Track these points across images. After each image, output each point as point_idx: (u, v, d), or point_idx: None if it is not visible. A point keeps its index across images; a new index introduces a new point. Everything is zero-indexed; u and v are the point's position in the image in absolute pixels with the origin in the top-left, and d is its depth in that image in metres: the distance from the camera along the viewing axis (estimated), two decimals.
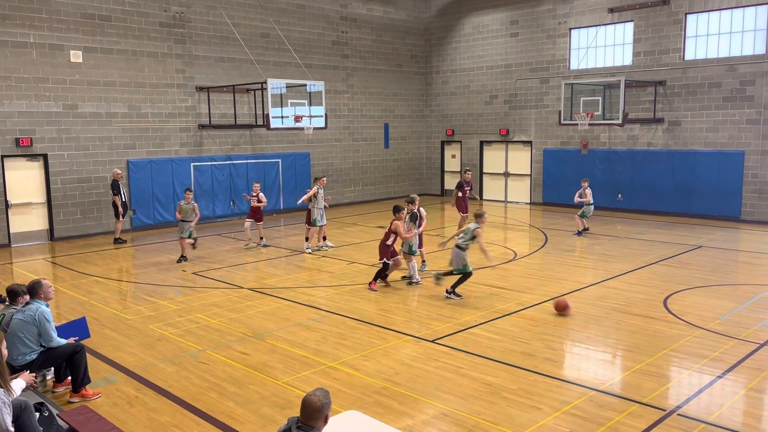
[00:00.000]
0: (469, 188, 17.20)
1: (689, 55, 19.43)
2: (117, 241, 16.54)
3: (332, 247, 15.31)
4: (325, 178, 15.71)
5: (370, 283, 11.57)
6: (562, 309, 9.84)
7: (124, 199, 16.64)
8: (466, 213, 16.84)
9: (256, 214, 15.63)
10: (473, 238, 10.59)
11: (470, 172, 18.16)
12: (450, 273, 10.89)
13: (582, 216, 16.86)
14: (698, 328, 9.03)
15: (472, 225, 10.75)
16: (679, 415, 6.35)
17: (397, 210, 11.66)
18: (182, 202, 14.17)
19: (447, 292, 10.84)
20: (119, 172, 16.64)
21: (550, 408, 6.53)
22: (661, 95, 19.92)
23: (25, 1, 15.93)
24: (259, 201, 15.66)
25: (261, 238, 15.86)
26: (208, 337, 9.00)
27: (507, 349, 8.30)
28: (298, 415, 3.85)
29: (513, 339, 8.69)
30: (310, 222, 14.99)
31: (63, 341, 6.89)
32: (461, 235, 10.82)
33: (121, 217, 16.53)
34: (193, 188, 19.20)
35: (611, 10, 20.73)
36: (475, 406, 6.62)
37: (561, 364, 8.00)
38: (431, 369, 7.66)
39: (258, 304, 10.67)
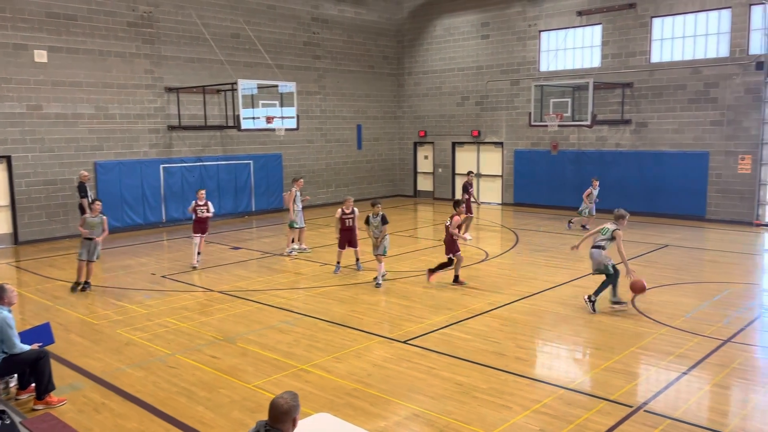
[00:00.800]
0: (472, 189, 17.38)
1: (655, 58, 19.82)
2: None
3: (306, 251, 15.15)
4: (302, 180, 15.58)
5: (429, 274, 11.88)
6: (639, 291, 9.92)
7: (90, 202, 16.24)
8: (471, 214, 17.03)
9: (203, 226, 13.58)
10: (612, 239, 10.01)
11: (473, 174, 18.14)
12: (605, 283, 10.05)
13: (583, 214, 17.60)
14: (665, 325, 9.21)
15: (611, 225, 10.11)
16: (645, 411, 6.46)
17: (457, 204, 11.96)
18: (88, 215, 11.85)
19: (588, 299, 9.97)
20: (86, 174, 16.28)
21: (520, 407, 6.59)
22: (628, 97, 20.27)
23: None
24: (208, 211, 13.69)
25: (198, 253, 13.64)
26: (178, 341, 8.88)
27: (478, 348, 8.35)
28: (267, 418, 3.82)
29: (484, 339, 8.75)
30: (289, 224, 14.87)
31: (26, 347, 6.73)
32: (598, 235, 10.24)
33: None
34: (162, 190, 19.04)
35: (580, 13, 21.03)
36: (447, 406, 6.64)
37: (531, 363, 8.08)
38: (403, 370, 7.67)
39: (229, 307, 10.56)
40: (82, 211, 16.09)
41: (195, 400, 6.90)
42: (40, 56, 16.54)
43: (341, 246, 12.89)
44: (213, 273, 13.09)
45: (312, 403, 6.72)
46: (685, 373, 7.45)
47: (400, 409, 6.63)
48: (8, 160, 16.29)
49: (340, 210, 12.83)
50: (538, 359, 8.35)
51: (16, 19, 16.05)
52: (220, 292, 11.55)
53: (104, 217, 11.91)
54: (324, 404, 6.68)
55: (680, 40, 19.36)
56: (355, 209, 13.01)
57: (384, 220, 11.99)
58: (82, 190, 16.02)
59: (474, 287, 11.59)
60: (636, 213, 20.12)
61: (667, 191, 19.69)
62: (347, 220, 12.76)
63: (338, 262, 12.93)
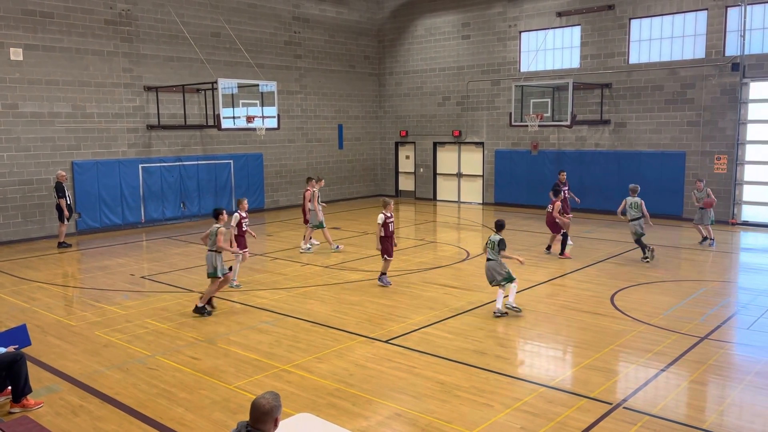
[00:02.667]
0: (566, 189, 15.79)
1: (633, 59, 20.05)
2: (61, 245, 15.97)
3: (316, 245, 15.51)
4: (323, 180, 16.02)
5: (562, 256, 13.60)
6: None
7: (69, 202, 16.04)
8: (570, 214, 15.49)
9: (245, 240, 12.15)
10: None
11: (564, 173, 16.40)
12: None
13: (711, 222, 15.45)
14: (643, 323, 9.32)
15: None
16: (624, 408, 6.53)
17: (556, 193, 13.67)
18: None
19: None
20: (63, 174, 16.02)
21: (501, 405, 6.62)
22: (607, 97, 20.49)
23: None
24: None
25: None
26: (157, 342, 8.79)
27: (459, 347, 8.38)
28: (248, 419, 3.79)
29: (465, 337, 8.78)
30: (308, 221, 14.88)
31: (2, 350, 6.62)
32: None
33: (66, 220, 15.96)
34: (141, 190, 18.83)
35: (559, 14, 21.21)
36: (428, 405, 6.66)
37: (512, 362, 8.13)
38: (385, 369, 7.67)
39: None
40: (60, 211, 15.87)
41: (175, 402, 6.83)
42: (16, 54, 16.26)
43: (389, 254, 11.56)
44: (193, 273, 12.97)
45: (293, 403, 6.69)
46: (663, 370, 7.55)
47: (382, 408, 6.63)
48: None
49: (382, 215, 11.48)
50: (518, 357, 8.41)
51: None
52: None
53: (219, 227, 10.05)
54: (306, 404, 6.66)
55: (657, 41, 19.61)
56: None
57: None
58: (59, 190, 15.79)
59: (455, 286, 11.63)
60: (615, 213, 20.35)
61: (644, 190, 19.74)
62: (390, 225, 11.62)
63: (384, 273, 11.70)
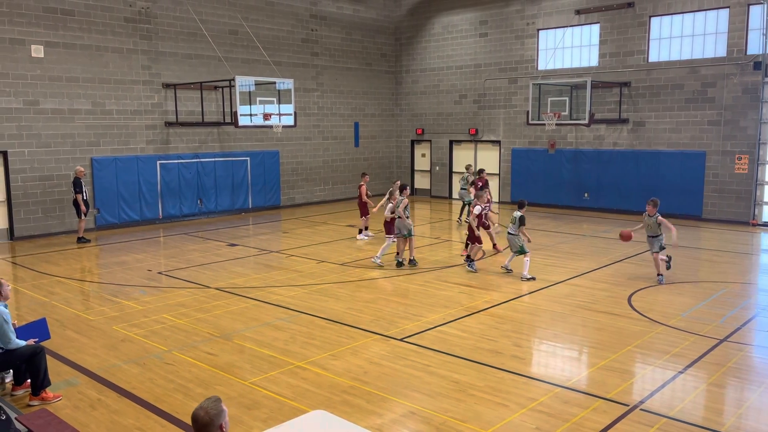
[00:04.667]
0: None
1: (653, 57, 19.83)
2: (80, 240, 16.17)
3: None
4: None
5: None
6: (626, 238, 11.62)
7: (86, 198, 16.20)
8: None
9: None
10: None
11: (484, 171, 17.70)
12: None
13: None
14: (661, 324, 9.22)
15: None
16: (642, 410, 6.47)
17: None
18: None
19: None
20: (82, 169, 16.22)
21: (516, 405, 6.59)
22: (626, 96, 20.28)
23: None
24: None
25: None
26: (174, 337, 8.86)
27: (475, 346, 8.35)
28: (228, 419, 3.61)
29: (481, 337, 8.75)
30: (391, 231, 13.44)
31: (22, 343, 6.71)
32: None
33: (83, 215, 16.13)
34: (159, 187, 19.02)
35: (578, 12, 21.03)
36: (443, 403, 6.64)
37: (528, 362, 8.08)
38: (399, 367, 7.67)
39: (225, 304, 10.55)
40: (77, 207, 16.05)
41: (191, 397, 6.88)
42: (37, 51, 16.47)
43: (479, 241, 12.48)
44: (209, 270, 13.07)
45: (308, 400, 6.72)
46: (681, 372, 7.46)
47: (397, 406, 6.63)
48: (4, 155, 16.23)
49: (478, 206, 12.19)
50: (534, 357, 8.36)
51: (13, 14, 15.97)
52: (217, 288, 11.53)
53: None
54: (320, 401, 6.68)
55: (678, 39, 19.37)
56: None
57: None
58: (77, 185, 15.97)
59: (471, 285, 11.59)
60: (633, 212, 20.18)
61: (663, 191, 19.68)
62: (485, 215, 12.61)
63: (472, 260, 12.57)
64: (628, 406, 6.55)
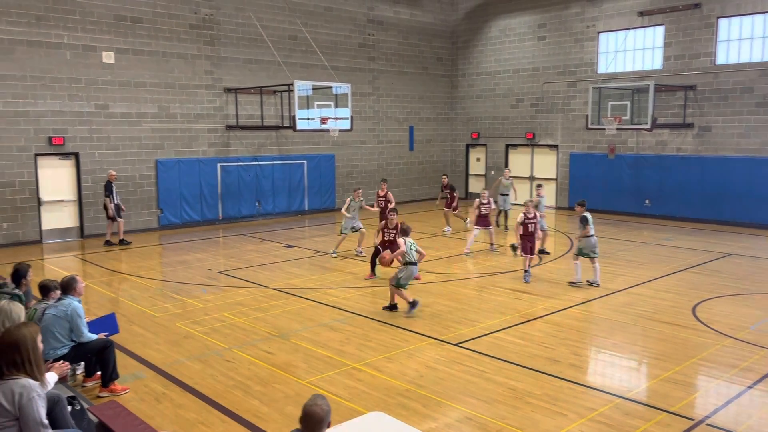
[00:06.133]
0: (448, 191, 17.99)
1: (721, 60, 19.11)
2: (108, 243, 16.21)
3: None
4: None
5: None
6: (387, 263, 10.54)
7: (117, 201, 16.21)
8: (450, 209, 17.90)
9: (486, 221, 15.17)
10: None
11: (446, 177, 18.92)
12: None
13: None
14: (728, 337, 8.87)
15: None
16: (708, 425, 6.25)
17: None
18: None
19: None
20: (114, 173, 16.41)
21: (575, 414, 6.47)
22: (691, 100, 19.61)
23: (59, 3, 16.28)
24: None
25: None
26: (234, 335, 9.09)
27: (532, 354, 8.24)
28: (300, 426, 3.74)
29: (538, 344, 8.62)
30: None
31: (93, 336, 7.01)
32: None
33: (116, 218, 16.10)
34: (219, 189, 19.54)
35: (641, 14, 20.48)
36: (500, 410, 6.59)
37: (586, 371, 7.92)
38: (455, 372, 7.64)
39: (283, 303, 10.75)
40: (107, 210, 16.21)
41: (250, 394, 7.05)
42: (108, 57, 17.22)
43: (525, 251, 12.35)
44: (267, 270, 13.34)
45: (364, 401, 6.78)
46: (749, 387, 7.16)
47: (452, 411, 6.61)
48: (77, 157, 17.02)
49: (522, 215, 12.39)
50: (593, 367, 8.19)
51: (86, 22, 16.75)
52: (275, 288, 11.76)
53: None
54: (376, 403, 6.72)
55: (748, 41, 18.60)
56: (537, 214, 12.85)
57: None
58: (108, 189, 16.10)
59: (527, 292, 11.44)
60: (697, 220, 19.49)
61: (731, 198, 18.95)
62: (529, 225, 12.31)
63: (525, 270, 12.34)
64: (693, 420, 6.34)
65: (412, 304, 9.99)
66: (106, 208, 16.21)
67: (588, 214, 11.82)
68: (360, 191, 14.99)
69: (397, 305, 10.24)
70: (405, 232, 10.38)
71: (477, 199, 15.18)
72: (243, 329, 9.37)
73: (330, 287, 11.90)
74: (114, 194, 16.22)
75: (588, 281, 11.76)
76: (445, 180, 18.68)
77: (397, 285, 10.01)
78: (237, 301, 10.93)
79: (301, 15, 21.06)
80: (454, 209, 17.85)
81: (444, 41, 25.97)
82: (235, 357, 8.23)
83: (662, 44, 20.24)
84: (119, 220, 16.32)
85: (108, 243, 16.28)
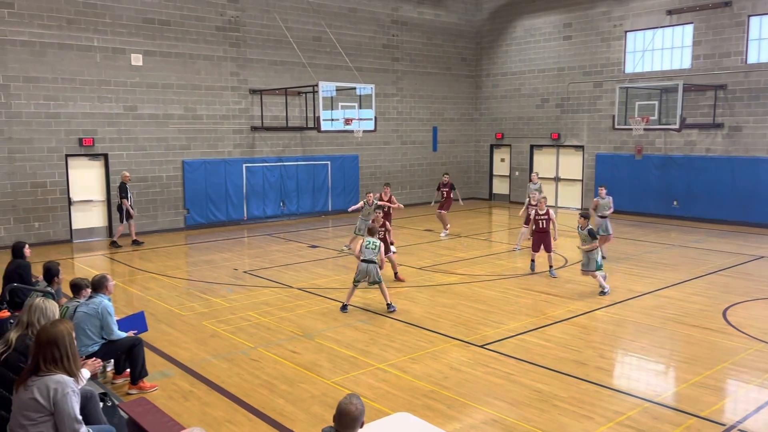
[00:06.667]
0: (447, 189, 17.50)
1: (752, 59, 18.74)
2: (114, 244, 16.24)
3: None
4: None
5: None
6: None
7: (131, 203, 16.30)
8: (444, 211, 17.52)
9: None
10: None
11: (447, 175, 18.17)
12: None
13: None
14: (760, 341, 8.70)
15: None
16: (739, 430, 6.13)
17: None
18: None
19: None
20: (128, 175, 16.46)
21: (603, 418, 6.40)
22: (721, 99, 19.27)
23: (89, 6, 16.58)
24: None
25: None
26: (259, 334, 9.17)
27: (558, 356, 8.17)
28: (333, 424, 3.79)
29: (564, 347, 8.55)
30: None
31: (123, 334, 7.12)
32: None
33: (128, 219, 16.18)
34: (244, 189, 19.72)
35: (670, 12, 20.18)
36: (526, 413, 6.54)
37: (614, 374, 7.83)
38: (480, 374, 7.61)
39: (307, 303, 10.81)
40: (121, 212, 16.22)
41: (276, 393, 7.10)
42: (136, 60, 17.48)
43: (534, 248, 12.94)
44: (292, 270, 13.42)
45: (390, 402, 6.78)
46: None
47: (478, 413, 6.58)
48: (105, 157, 17.31)
49: (534, 210, 12.99)
50: (621, 370, 8.09)
51: (115, 25, 17.03)
52: (299, 288, 11.83)
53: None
54: (401, 404, 6.72)
55: None
56: (551, 211, 13.04)
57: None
58: (123, 190, 16.09)
59: (553, 294, 11.34)
60: (728, 222, 19.14)
61: (762, 199, 18.57)
62: (540, 222, 12.75)
63: (533, 260, 13.01)
64: (724, 425, 6.23)
65: (344, 307, 10.31)
66: (121, 208, 16.13)
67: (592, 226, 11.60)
68: (371, 195, 14.84)
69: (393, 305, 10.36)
70: (370, 232, 10.65)
71: (526, 200, 14.97)
72: (268, 328, 9.44)
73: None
74: (129, 195, 16.22)
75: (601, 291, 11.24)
76: (446, 179, 17.85)
77: (354, 281, 10.33)
78: (262, 300, 11.02)
79: (325, 16, 21.16)
80: (446, 208, 17.43)
81: (468, 41, 25.87)
82: (261, 356, 8.29)
83: (691, 43, 19.91)
84: (130, 221, 16.34)
85: (114, 244, 16.25)
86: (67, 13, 16.26)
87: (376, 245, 10.26)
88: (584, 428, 6.18)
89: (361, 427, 3.79)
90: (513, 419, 6.40)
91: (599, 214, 14.13)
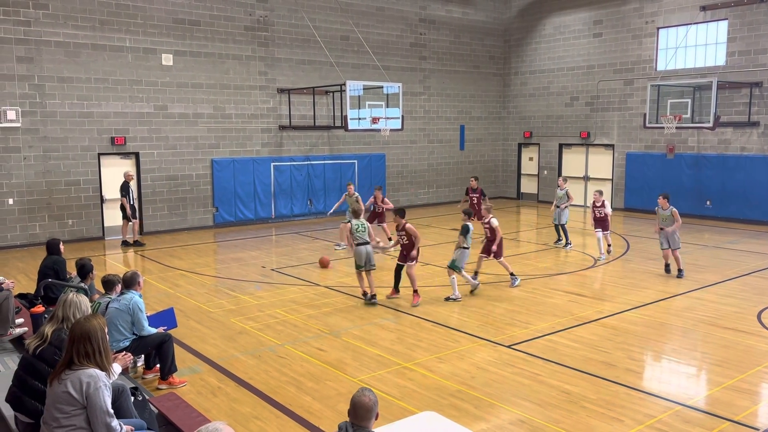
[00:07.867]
0: (477, 195, 16.49)
1: None
2: (125, 243, 16.33)
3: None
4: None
5: None
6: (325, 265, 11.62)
7: (132, 202, 16.22)
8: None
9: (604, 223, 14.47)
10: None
11: (474, 179, 17.07)
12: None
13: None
14: None
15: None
16: None
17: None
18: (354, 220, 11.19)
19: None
20: (131, 174, 16.48)
21: (633, 420, 6.30)
22: (756, 97, 18.81)
23: (122, 8, 16.88)
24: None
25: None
26: (287, 332, 9.23)
27: (586, 357, 8.07)
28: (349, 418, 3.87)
29: (593, 348, 8.43)
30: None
31: (153, 330, 7.24)
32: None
33: (128, 219, 16.17)
34: (272, 188, 19.88)
35: (703, 8, 19.77)
36: (554, 414, 6.47)
37: (644, 376, 7.70)
38: (507, 374, 7.55)
39: (334, 302, 10.85)
40: (124, 211, 16.22)
41: (303, 390, 7.14)
42: (167, 60, 17.74)
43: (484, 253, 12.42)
44: (319, 268, 13.48)
45: (416, 401, 6.77)
46: None
47: (505, 413, 6.53)
48: (137, 156, 17.61)
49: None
50: (651, 372, 7.95)
51: (147, 26, 17.31)
52: (326, 287, 11.88)
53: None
54: (428, 403, 6.71)
55: None
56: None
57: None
58: (124, 189, 16.03)
59: (582, 294, 11.20)
60: (763, 222, 18.68)
61: None
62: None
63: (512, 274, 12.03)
64: (758, 430, 6.08)
65: (364, 294, 10.62)
66: (123, 208, 16.12)
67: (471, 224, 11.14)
68: (352, 185, 15.89)
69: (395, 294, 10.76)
70: (355, 214, 11.04)
71: (593, 202, 14.53)
72: (295, 326, 9.50)
73: (380, 286, 11.92)
74: (130, 194, 16.19)
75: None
76: (474, 183, 16.81)
77: (356, 267, 10.68)
78: (290, 298, 11.09)
79: (353, 15, 21.20)
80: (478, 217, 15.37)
81: (496, 39, 25.69)
82: (288, 353, 8.35)
83: (725, 40, 19.48)
84: (134, 220, 16.34)
85: (125, 243, 16.36)
86: (100, 14, 16.57)
87: (364, 226, 10.70)
88: (614, 431, 6.09)
89: (376, 419, 3.85)
90: (541, 420, 6.33)
91: (660, 227, 12.63)
